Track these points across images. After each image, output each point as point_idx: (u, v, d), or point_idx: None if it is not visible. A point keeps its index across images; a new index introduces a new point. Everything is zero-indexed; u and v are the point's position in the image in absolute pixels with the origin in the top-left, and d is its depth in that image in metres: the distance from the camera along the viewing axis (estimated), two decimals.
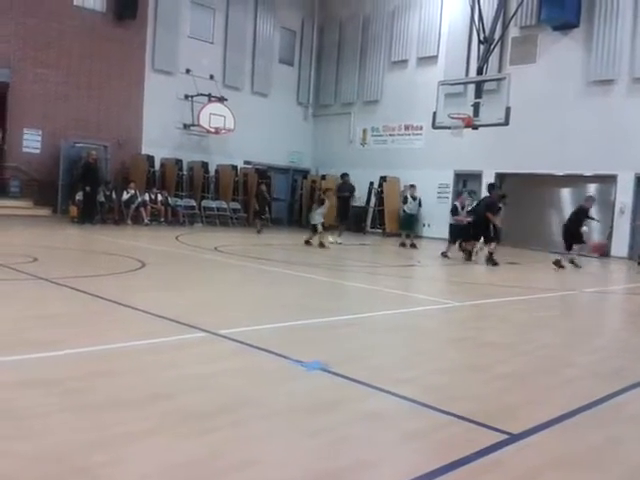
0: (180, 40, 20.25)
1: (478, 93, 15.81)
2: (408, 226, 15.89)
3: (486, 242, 12.37)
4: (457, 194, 14.83)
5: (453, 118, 15.58)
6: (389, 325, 5.62)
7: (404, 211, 15.68)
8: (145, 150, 19.54)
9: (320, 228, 13.91)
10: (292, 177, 23.91)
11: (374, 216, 21.58)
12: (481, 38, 16.39)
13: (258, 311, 5.82)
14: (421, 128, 20.45)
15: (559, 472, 2.55)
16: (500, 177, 18.46)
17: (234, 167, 20.91)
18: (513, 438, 2.82)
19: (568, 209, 18.42)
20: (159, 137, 19.61)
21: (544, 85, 17.77)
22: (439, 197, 20.16)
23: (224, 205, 20.26)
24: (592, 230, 17.79)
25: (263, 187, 17.63)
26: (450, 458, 2.53)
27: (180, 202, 19.17)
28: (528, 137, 17.67)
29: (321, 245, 13.49)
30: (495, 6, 17.38)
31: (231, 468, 2.37)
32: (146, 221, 17.30)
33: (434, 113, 15.74)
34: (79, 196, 16.09)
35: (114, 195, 17.39)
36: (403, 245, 15.40)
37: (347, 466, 2.46)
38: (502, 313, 6.84)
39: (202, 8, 20.82)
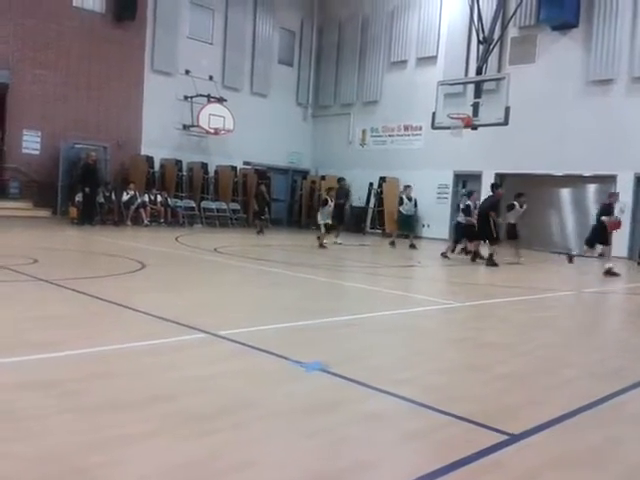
0: (179, 41, 20.25)
1: (477, 93, 15.81)
2: (405, 227, 15.87)
3: (490, 243, 12.21)
4: (468, 194, 14.72)
5: (452, 118, 15.59)
6: (389, 325, 5.62)
7: (400, 212, 15.67)
8: (145, 151, 19.55)
9: (323, 229, 13.94)
10: (291, 178, 23.91)
11: (374, 217, 21.58)
12: (480, 38, 16.40)
13: (258, 312, 5.82)
14: (420, 128, 20.45)
15: (558, 472, 2.55)
16: (499, 177, 18.44)
17: (233, 168, 20.91)
18: (513, 438, 2.82)
19: (568, 209, 18.48)
20: (159, 138, 19.61)
21: (543, 85, 17.78)
22: (439, 198, 20.18)
23: (224, 206, 20.27)
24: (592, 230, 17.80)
25: (263, 188, 17.64)
26: (450, 459, 2.53)
27: (180, 203, 19.18)
28: (527, 137, 17.67)
29: (321, 246, 13.51)
30: (494, 6, 17.39)
31: (230, 469, 2.37)
32: (146, 222, 17.30)
33: (433, 113, 15.75)
34: (79, 197, 16.09)
35: (114, 196, 17.40)
36: (393, 244, 15.39)
37: (346, 467, 2.46)
38: (502, 313, 6.84)
39: (201, 9, 20.83)
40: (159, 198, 18.25)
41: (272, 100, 22.79)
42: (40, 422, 2.68)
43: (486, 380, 3.91)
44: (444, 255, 13.40)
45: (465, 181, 19.84)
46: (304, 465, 2.47)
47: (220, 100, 20.19)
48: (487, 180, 17.98)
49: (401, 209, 15.55)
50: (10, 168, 17.33)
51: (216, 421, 2.83)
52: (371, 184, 21.77)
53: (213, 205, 20.10)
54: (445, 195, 20.12)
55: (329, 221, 14.10)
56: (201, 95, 19.91)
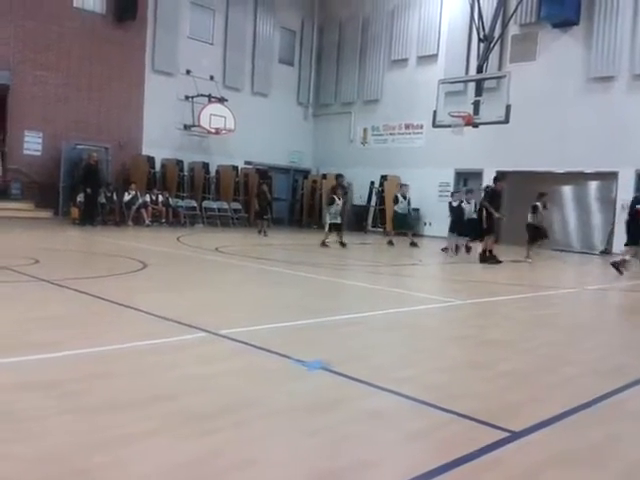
0: (180, 41, 20.27)
1: (478, 91, 15.81)
2: (401, 225, 15.85)
3: (484, 236, 12.07)
4: (468, 191, 14.74)
5: (453, 116, 15.58)
6: (390, 324, 5.62)
7: (395, 211, 15.67)
8: (146, 151, 19.57)
9: (327, 227, 13.94)
10: (293, 177, 23.92)
11: (375, 215, 21.58)
12: (481, 36, 16.40)
13: (259, 311, 5.82)
14: (421, 127, 20.45)
15: (559, 470, 2.55)
16: (501, 175, 18.38)
17: (235, 167, 20.92)
18: (514, 436, 2.81)
19: (569, 206, 18.45)
20: (160, 138, 19.63)
21: (544, 82, 17.76)
22: (440, 196, 20.16)
23: (225, 206, 20.28)
24: (594, 228, 17.80)
25: (265, 187, 17.65)
26: (451, 456, 2.53)
27: (181, 203, 19.20)
28: (528, 134, 17.66)
29: (323, 244, 13.52)
30: (495, 4, 17.38)
31: (232, 468, 2.37)
32: (147, 222, 17.31)
33: (434, 112, 15.74)
34: (80, 198, 16.12)
35: (115, 196, 17.42)
36: (391, 243, 15.36)
37: (348, 465, 2.46)
38: (504, 311, 6.83)
39: (202, 9, 20.84)
40: (160, 198, 18.26)
41: (273, 100, 22.80)
42: (40, 423, 2.68)
43: (488, 378, 3.91)
44: (445, 250, 13.41)
45: (466, 179, 19.83)
46: (306, 463, 2.47)
47: (221, 100, 20.21)
48: (488, 178, 17.95)
49: (396, 208, 15.54)
50: (12, 169, 17.36)
51: (217, 420, 2.83)
52: (372, 183, 21.77)
53: (214, 205, 20.11)
54: (446, 193, 20.08)
55: (337, 220, 14.02)
56: (202, 95, 19.93)
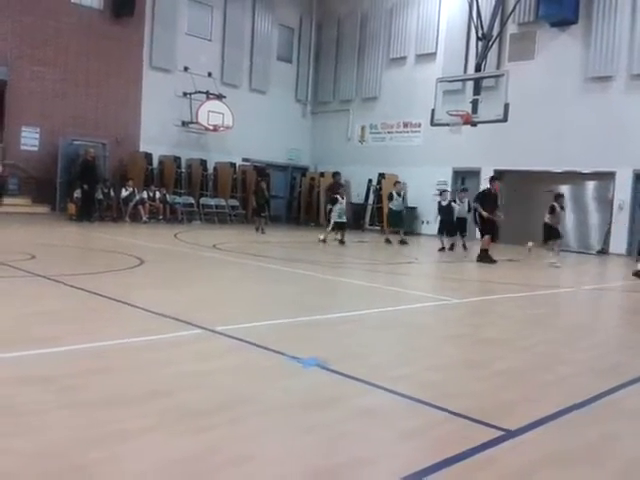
0: (178, 37, 20.23)
1: (476, 90, 15.80)
2: (396, 223, 15.86)
3: (481, 235, 12.14)
4: (462, 190, 14.72)
5: (452, 115, 15.58)
6: (387, 322, 5.63)
7: (390, 208, 15.68)
8: (143, 147, 19.54)
9: (330, 226, 13.98)
10: (291, 174, 23.91)
11: (373, 213, 21.59)
12: (479, 35, 16.38)
13: (256, 308, 5.83)
14: (419, 125, 20.45)
15: (553, 469, 2.56)
16: (498, 174, 18.41)
17: (232, 164, 20.91)
18: (509, 435, 2.83)
19: (566, 206, 18.47)
20: (157, 134, 19.60)
21: (542, 82, 17.78)
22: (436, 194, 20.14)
23: (223, 202, 20.27)
24: (591, 228, 17.84)
25: (263, 185, 17.64)
26: (445, 455, 2.54)
27: (178, 199, 19.19)
28: (526, 134, 17.68)
29: (323, 241, 13.59)
30: (493, 2, 17.35)
31: (228, 464, 2.38)
32: (144, 219, 17.30)
33: (432, 110, 15.74)
34: (77, 194, 16.10)
35: (112, 193, 17.40)
36: (388, 241, 15.38)
37: (344, 463, 2.47)
38: (500, 310, 6.85)
39: (200, 5, 20.80)
40: (158, 195, 18.25)
41: (271, 97, 22.78)
42: (39, 417, 2.69)
43: (483, 376, 3.92)
44: (442, 250, 13.47)
45: (464, 178, 19.84)
46: (301, 460, 2.48)
47: (219, 97, 20.18)
48: (486, 177, 17.97)
49: (391, 205, 15.57)
50: (9, 164, 17.32)
51: (213, 417, 2.84)
52: (370, 181, 21.78)
53: (212, 202, 20.10)
54: (446, 195, 20.09)
55: (343, 219, 14.06)
56: (200, 92, 19.89)
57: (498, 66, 18.52)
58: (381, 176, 21.16)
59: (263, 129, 21.97)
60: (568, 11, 17.32)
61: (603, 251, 16.83)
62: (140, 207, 17.42)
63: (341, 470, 2.41)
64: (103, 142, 18.67)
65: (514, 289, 8.61)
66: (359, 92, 22.77)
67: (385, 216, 17.09)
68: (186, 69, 20.20)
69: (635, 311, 7.74)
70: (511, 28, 18.55)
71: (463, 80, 17.85)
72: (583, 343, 5.35)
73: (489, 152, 18.54)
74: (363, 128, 22.67)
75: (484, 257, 11.73)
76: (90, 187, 15.88)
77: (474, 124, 15.65)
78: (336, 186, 15.08)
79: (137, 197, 17.54)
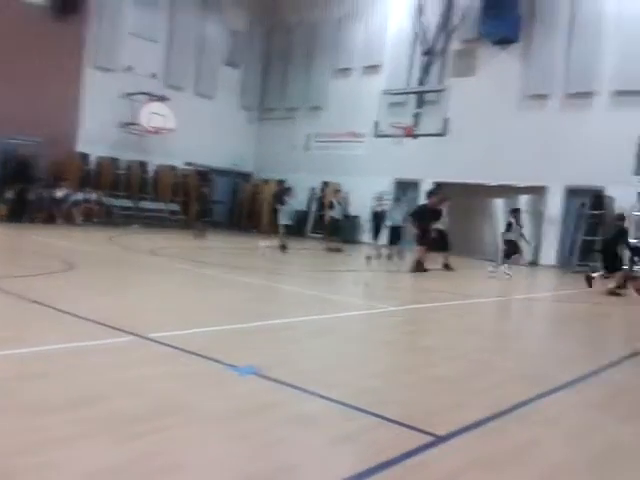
0: (122, 37, 19.75)
1: (419, 103, 16.17)
2: (336, 231, 16.00)
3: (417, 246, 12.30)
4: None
5: (394, 127, 15.86)
6: (324, 329, 5.65)
7: (331, 217, 15.81)
8: (81, 148, 18.93)
9: (280, 231, 14.13)
10: (234, 180, 23.70)
11: (315, 221, 21.66)
12: (424, 49, 16.77)
13: (192, 315, 5.73)
14: (364, 135, 20.68)
15: (480, 472, 2.63)
16: (437, 186, 18.81)
17: (174, 168, 20.55)
18: (438, 440, 2.88)
19: (500, 219, 19.07)
20: (96, 135, 19.04)
21: (482, 98, 18.33)
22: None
23: (162, 207, 19.88)
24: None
25: (205, 190, 17.40)
26: (377, 460, 2.57)
27: (116, 202, 18.69)
28: (465, 148, 18.17)
29: (267, 247, 13.67)
30: (438, 19, 17.83)
31: (159, 472, 2.34)
32: (79, 221, 16.76)
33: (376, 122, 15.97)
34: (9, 194, 15.45)
35: (46, 193, 16.78)
36: (329, 249, 15.47)
37: (276, 469, 2.46)
38: (435, 318, 6.99)
39: (146, 6, 20.36)
40: (94, 196, 17.73)
41: (217, 101, 22.55)
42: None
43: (417, 383, 3.99)
44: (368, 258, 13.56)
45: (405, 189, 20.16)
46: (233, 468, 2.45)
47: (162, 99, 19.81)
48: (425, 189, 18.34)
49: (332, 213, 15.69)
50: None
51: (145, 424, 2.77)
52: (313, 189, 21.86)
53: (151, 205, 19.68)
54: (385, 202, 20.36)
55: (290, 222, 14.63)
56: (142, 93, 19.47)
57: (441, 81, 18.98)
58: (324, 184, 21.28)
59: (207, 133, 21.71)
60: (509, 30, 17.93)
61: (534, 263, 17.45)
62: (74, 209, 16.87)
63: (273, 476, 2.40)
64: (38, 141, 17.94)
65: (449, 298, 8.81)
66: (306, 100, 22.85)
67: (326, 224, 17.16)
68: (129, 69, 19.76)
69: (562, 321, 8.05)
70: (454, 44, 19.06)
71: (406, 93, 18.20)
72: (512, 351, 5.53)
73: (429, 164, 18.93)
74: (308, 136, 22.76)
75: (418, 267, 11.89)
76: (23, 187, 15.28)
77: (415, 137, 15.99)
78: (283, 191, 15.13)
79: (72, 198, 16.98)
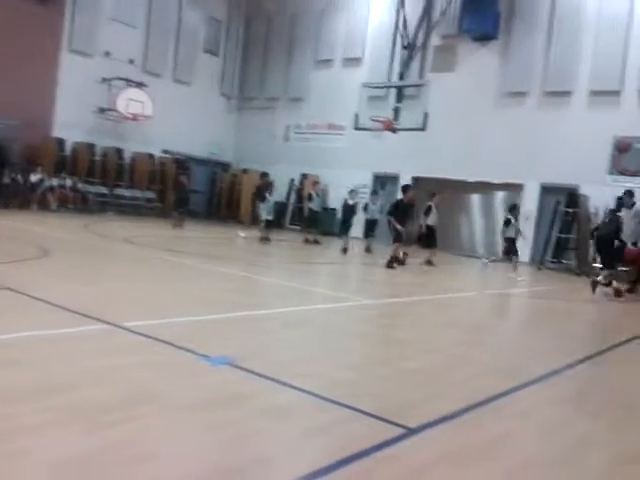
0: (100, 22, 19.40)
1: (399, 97, 16.19)
2: (314, 223, 15.99)
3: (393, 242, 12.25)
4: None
5: (374, 121, 15.86)
6: (300, 321, 5.64)
7: (310, 209, 15.78)
8: (57, 133, 18.60)
9: (261, 225, 13.97)
10: (212, 169, 23.51)
11: (294, 212, 21.62)
12: (404, 44, 16.79)
13: (167, 305, 5.68)
14: (344, 128, 20.67)
15: (451, 465, 2.65)
16: (414, 180, 18.88)
17: (151, 156, 20.31)
18: (410, 432, 2.90)
19: (476, 214, 19.28)
20: (72, 120, 18.69)
21: (461, 93, 18.42)
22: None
23: (138, 194, 19.64)
24: (498, 236, 18.67)
25: (184, 179, 17.21)
26: (348, 452, 2.57)
27: (91, 189, 18.42)
28: (445, 143, 18.26)
29: (244, 238, 13.58)
30: (419, 13, 17.84)
31: (130, 461, 2.31)
32: (53, 207, 16.49)
33: (356, 115, 15.96)
34: None
35: (20, 177, 16.46)
36: (307, 241, 15.46)
37: (248, 460, 2.45)
38: (412, 311, 7.04)
39: None
40: (69, 182, 17.44)
41: (195, 88, 22.31)
42: None
43: (392, 375, 4.01)
44: (344, 251, 13.55)
45: (384, 182, 20.23)
46: (205, 458, 2.43)
47: (140, 85, 19.53)
48: (404, 182, 18.41)
49: (310, 205, 15.67)
50: None
51: (117, 413, 2.75)
52: (292, 180, 21.80)
53: (127, 193, 19.43)
54: (363, 195, 20.41)
55: (271, 217, 14.51)
56: (120, 78, 19.17)
57: (421, 75, 19.03)
58: (303, 176, 21.23)
59: (186, 121, 21.47)
60: (489, 27, 18.03)
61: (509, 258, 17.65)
62: (49, 194, 16.58)
63: (245, 467, 2.39)
64: (13, 124, 17.56)
65: (425, 292, 8.87)
66: (286, 91, 22.73)
67: (305, 216, 17.14)
68: (107, 54, 19.43)
69: (537, 315, 8.18)
70: (434, 40, 19.11)
71: (386, 87, 18.21)
72: (487, 345, 5.59)
73: (408, 159, 18.99)
74: (288, 127, 22.66)
75: (392, 262, 11.86)
76: None
77: (394, 131, 16.02)
78: (266, 185, 14.97)
79: (46, 184, 16.68)
